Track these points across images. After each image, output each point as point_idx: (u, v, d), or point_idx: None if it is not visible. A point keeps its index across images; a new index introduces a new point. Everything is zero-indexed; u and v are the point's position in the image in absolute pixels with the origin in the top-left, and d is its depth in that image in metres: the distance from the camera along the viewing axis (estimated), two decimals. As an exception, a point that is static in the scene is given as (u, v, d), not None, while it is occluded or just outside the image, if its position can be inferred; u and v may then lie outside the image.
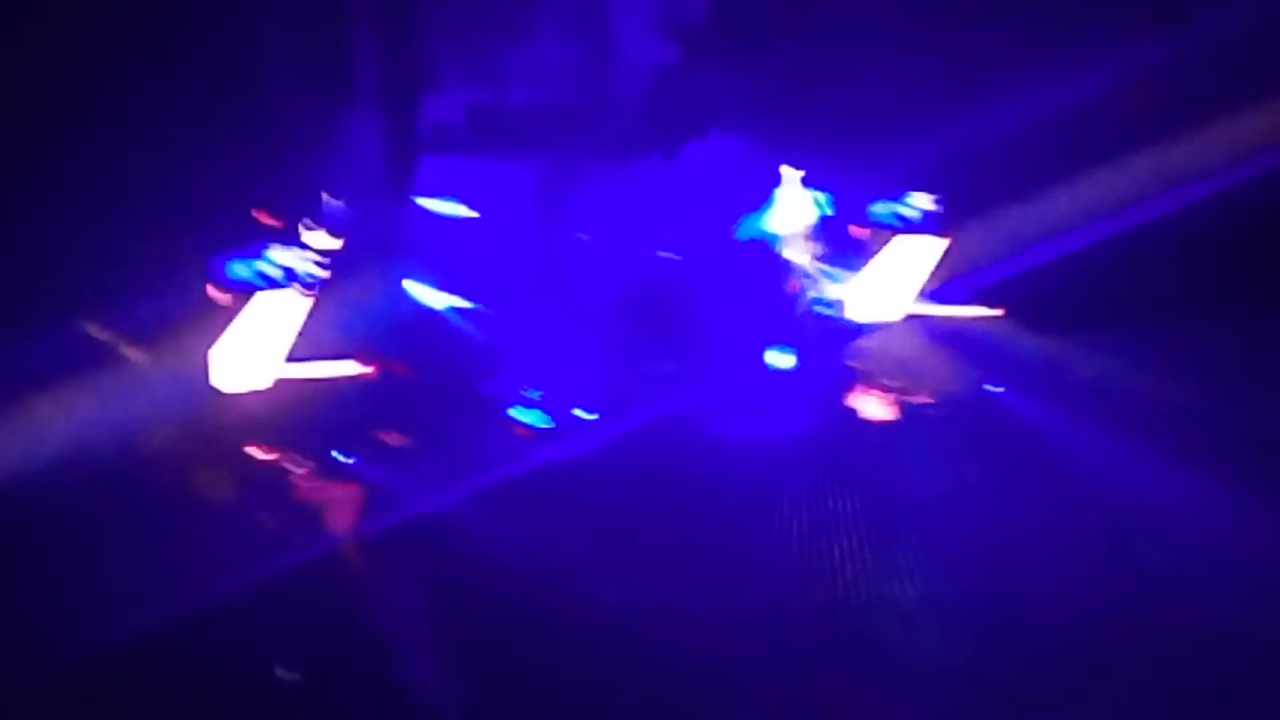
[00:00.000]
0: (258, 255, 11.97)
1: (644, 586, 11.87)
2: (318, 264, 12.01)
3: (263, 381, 11.78)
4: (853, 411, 12.31)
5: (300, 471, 12.11)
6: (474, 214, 12.63)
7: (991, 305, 12.26)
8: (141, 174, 11.98)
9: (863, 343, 12.32)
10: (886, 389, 12.27)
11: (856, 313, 12.20)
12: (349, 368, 12.07)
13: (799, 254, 12.44)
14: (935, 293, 12.26)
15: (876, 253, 12.25)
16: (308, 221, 12.16)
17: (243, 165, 12.14)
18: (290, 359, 11.92)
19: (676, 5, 12.77)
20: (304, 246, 12.07)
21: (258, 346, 11.80)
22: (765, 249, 12.51)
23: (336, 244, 12.13)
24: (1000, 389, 12.33)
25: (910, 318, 12.21)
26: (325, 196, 12.26)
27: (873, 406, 12.24)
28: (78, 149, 11.98)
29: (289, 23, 12.48)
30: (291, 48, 12.50)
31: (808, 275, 12.42)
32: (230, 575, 11.71)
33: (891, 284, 12.17)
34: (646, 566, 11.90)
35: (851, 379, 12.31)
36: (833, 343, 12.31)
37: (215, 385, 11.72)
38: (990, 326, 12.23)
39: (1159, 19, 12.23)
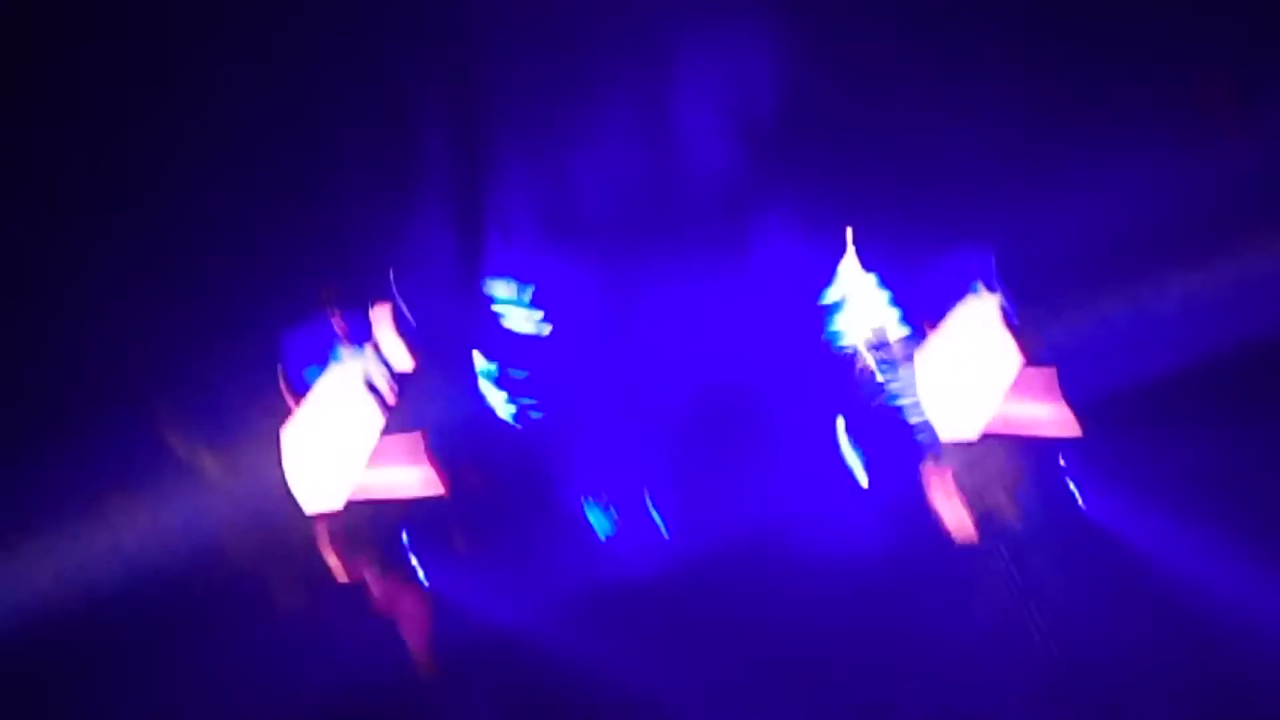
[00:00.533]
0: (326, 351, 11.99)
1: (720, 706, 11.69)
2: (387, 370, 12.02)
3: (337, 497, 11.69)
4: (932, 526, 12.05)
5: (374, 580, 12.03)
6: (540, 312, 12.52)
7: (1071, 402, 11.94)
8: (211, 271, 12.12)
9: (941, 454, 12.04)
10: (966, 503, 12.02)
11: (934, 423, 11.94)
12: (421, 476, 11.94)
13: (872, 358, 12.23)
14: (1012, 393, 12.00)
15: (950, 353, 12.00)
16: (377, 309, 12.12)
17: (310, 260, 12.25)
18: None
19: (743, 100, 12.74)
20: (373, 344, 12.08)
21: (324, 428, 11.75)
22: (838, 352, 12.29)
23: (405, 358, 12.11)
24: (1082, 500, 12.06)
25: (989, 433, 11.91)
26: (394, 291, 12.23)
27: (952, 520, 12.00)
28: (147, 246, 12.15)
29: (357, 118, 12.56)
30: (359, 143, 12.56)
31: (882, 381, 12.21)
32: (304, 686, 11.63)
33: (969, 392, 11.93)
34: (722, 687, 11.71)
35: (930, 491, 12.07)
36: (910, 454, 12.07)
37: (290, 494, 11.62)
38: (1070, 436, 11.90)
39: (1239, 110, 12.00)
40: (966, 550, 11.91)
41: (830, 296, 12.45)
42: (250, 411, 11.92)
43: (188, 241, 12.15)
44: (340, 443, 11.73)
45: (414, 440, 11.92)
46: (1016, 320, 11.98)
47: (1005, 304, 12.03)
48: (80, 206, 12.06)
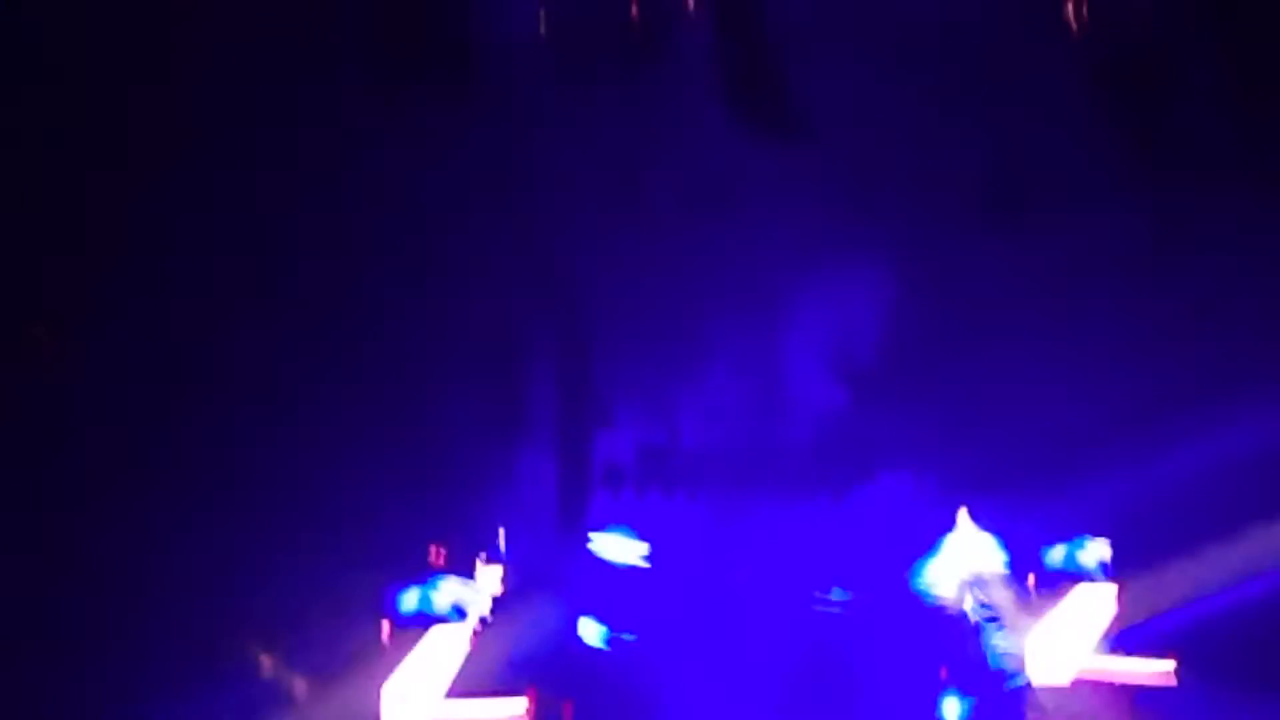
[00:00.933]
0: (431, 589, 12.17)
1: None
2: (488, 601, 12.17)
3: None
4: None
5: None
6: (644, 553, 12.60)
7: (1167, 655, 11.99)
8: (319, 510, 12.21)
9: (1039, 701, 12.01)
10: None
11: (1033, 669, 11.96)
12: (511, 707, 12.00)
13: (973, 603, 12.18)
14: (1111, 641, 12.07)
15: (1051, 600, 12.09)
16: (483, 556, 12.30)
17: (419, 500, 12.35)
18: (454, 693, 12.02)
19: (845, 347, 12.75)
20: (475, 581, 12.25)
21: (425, 680, 11.95)
22: (936, 600, 12.31)
23: (499, 584, 12.27)
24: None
25: (1086, 677, 11.96)
26: (500, 533, 12.41)
27: None
28: (254, 485, 12.25)
29: (466, 359, 12.68)
30: (468, 383, 12.66)
31: (983, 626, 12.15)
32: None
33: (1067, 638, 11.98)
34: None
35: None
36: (1009, 701, 12.02)
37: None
38: (1166, 681, 11.91)
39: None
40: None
41: (939, 555, 12.40)
42: (355, 639, 12.03)
43: (299, 481, 12.25)
44: (435, 660, 11.96)
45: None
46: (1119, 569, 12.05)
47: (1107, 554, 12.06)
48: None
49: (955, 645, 12.28)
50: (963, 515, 12.44)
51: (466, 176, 12.48)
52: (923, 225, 12.55)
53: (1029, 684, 12.06)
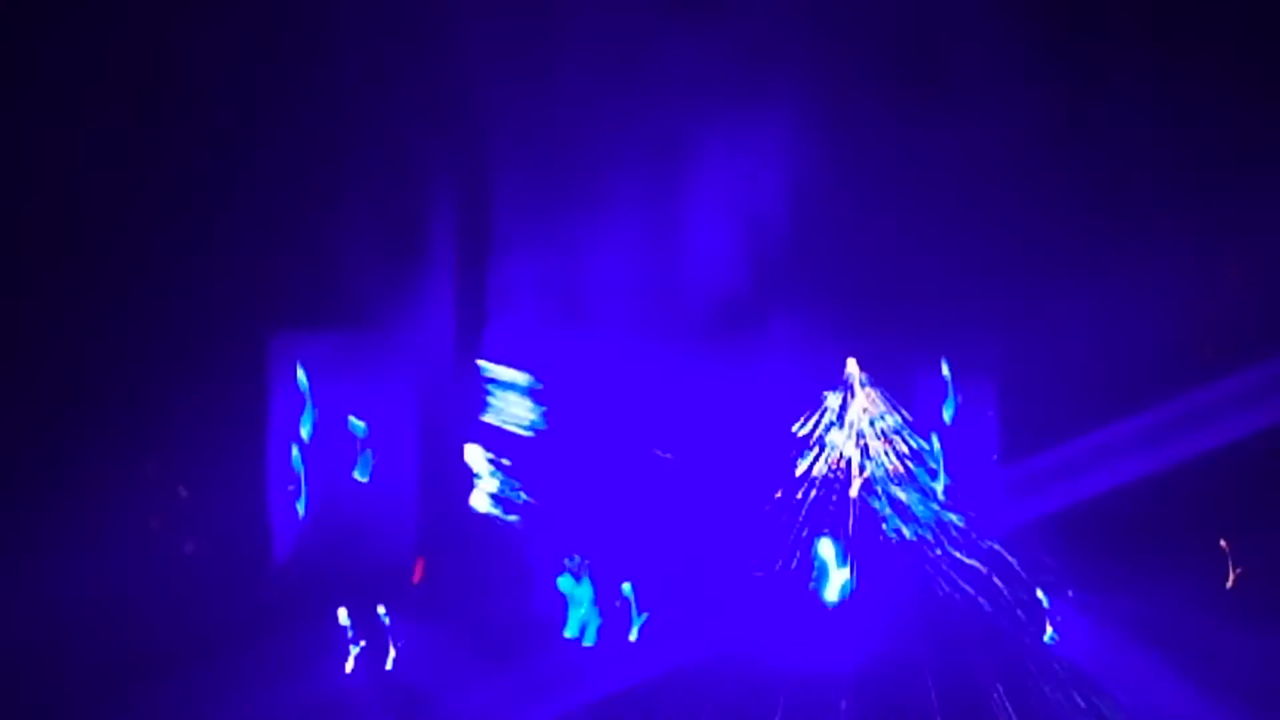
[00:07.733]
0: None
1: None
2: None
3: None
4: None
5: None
6: (537, 385, 12.64)
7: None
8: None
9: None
10: None
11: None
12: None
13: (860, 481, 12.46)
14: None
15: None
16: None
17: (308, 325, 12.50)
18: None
19: (749, 195, 12.74)
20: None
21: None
22: (828, 463, 12.52)
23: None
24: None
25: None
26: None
27: None
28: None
29: (360, 182, 12.61)
30: (364, 208, 12.58)
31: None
32: None
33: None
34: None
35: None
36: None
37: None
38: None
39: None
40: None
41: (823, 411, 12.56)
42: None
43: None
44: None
45: None
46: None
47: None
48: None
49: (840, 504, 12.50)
50: (852, 366, 12.56)
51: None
52: (831, 82, 12.46)
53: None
